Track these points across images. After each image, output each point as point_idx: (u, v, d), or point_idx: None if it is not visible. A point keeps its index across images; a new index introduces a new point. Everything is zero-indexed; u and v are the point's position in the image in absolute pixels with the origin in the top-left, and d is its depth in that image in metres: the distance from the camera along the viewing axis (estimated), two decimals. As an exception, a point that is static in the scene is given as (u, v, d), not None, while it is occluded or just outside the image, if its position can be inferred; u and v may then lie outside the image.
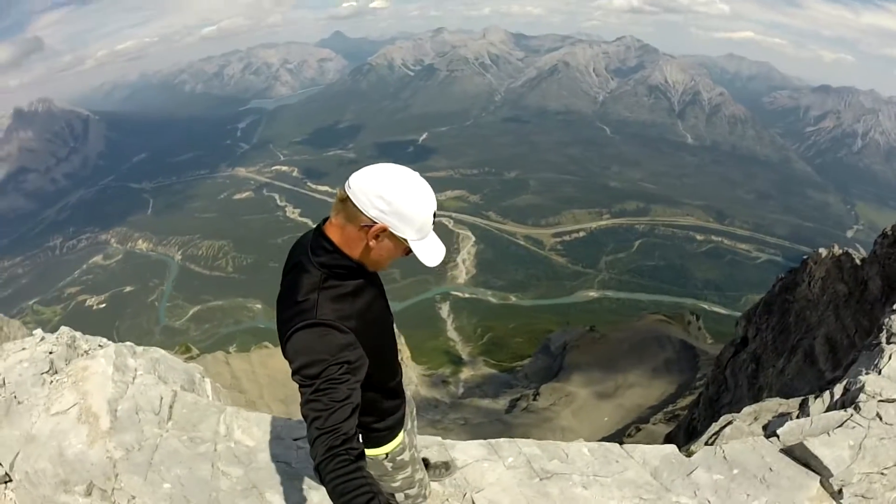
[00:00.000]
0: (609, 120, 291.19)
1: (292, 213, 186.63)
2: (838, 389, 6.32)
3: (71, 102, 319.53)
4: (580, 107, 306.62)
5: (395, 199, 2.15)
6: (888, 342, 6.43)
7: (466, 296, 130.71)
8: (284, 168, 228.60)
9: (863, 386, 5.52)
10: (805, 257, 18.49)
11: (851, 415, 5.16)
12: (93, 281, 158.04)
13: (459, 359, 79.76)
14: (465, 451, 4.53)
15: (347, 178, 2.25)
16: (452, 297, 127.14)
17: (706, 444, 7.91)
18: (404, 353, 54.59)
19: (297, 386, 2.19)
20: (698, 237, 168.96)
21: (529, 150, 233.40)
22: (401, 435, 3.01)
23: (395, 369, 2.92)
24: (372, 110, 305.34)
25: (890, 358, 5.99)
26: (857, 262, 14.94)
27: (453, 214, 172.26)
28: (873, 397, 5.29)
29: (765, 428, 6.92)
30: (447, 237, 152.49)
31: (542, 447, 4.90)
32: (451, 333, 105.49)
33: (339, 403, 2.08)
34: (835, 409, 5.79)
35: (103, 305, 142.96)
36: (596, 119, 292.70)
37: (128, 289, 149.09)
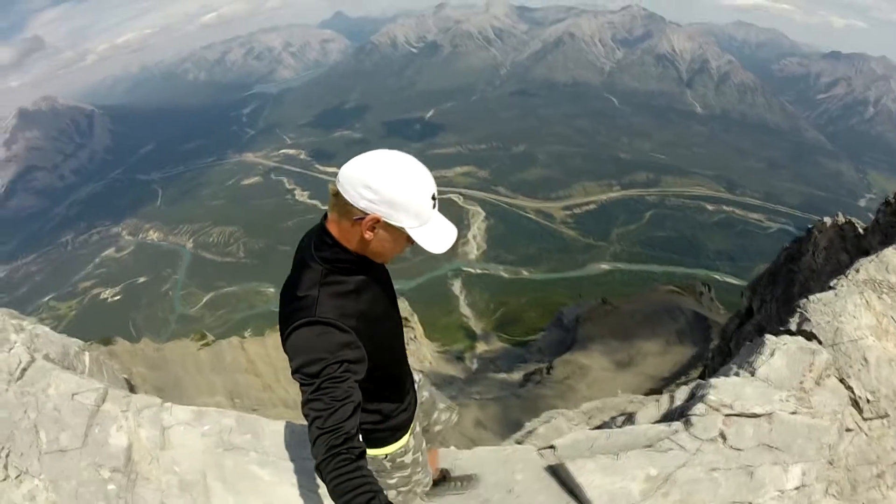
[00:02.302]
0: (617, 91, 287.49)
1: (301, 195, 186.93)
2: (682, 392, 5.04)
3: (74, 98, 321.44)
4: (587, 78, 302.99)
5: (382, 186, 2.04)
6: (798, 330, 5.18)
7: (478, 271, 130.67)
8: (292, 151, 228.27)
9: (705, 394, 4.26)
10: (810, 227, 18.35)
11: (675, 431, 4.09)
12: (106, 274, 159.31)
13: (473, 334, 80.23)
14: (175, 415, 4.38)
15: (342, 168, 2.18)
16: (464, 273, 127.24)
17: (517, 442, 6.87)
18: (417, 331, 54.95)
19: (299, 384, 2.12)
20: (709, 207, 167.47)
21: (537, 123, 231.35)
22: (405, 438, 2.95)
23: (401, 371, 2.85)
24: (377, 89, 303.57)
25: (773, 354, 4.67)
26: (861, 231, 14.82)
27: (463, 190, 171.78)
28: (717, 410, 4.14)
29: (598, 429, 5.56)
30: (457, 213, 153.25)
31: (240, 420, 4.56)
32: (464, 309, 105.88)
33: (339, 402, 2.03)
34: (672, 418, 4.54)
35: (118, 298, 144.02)
36: (603, 90, 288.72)
37: (141, 280, 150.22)
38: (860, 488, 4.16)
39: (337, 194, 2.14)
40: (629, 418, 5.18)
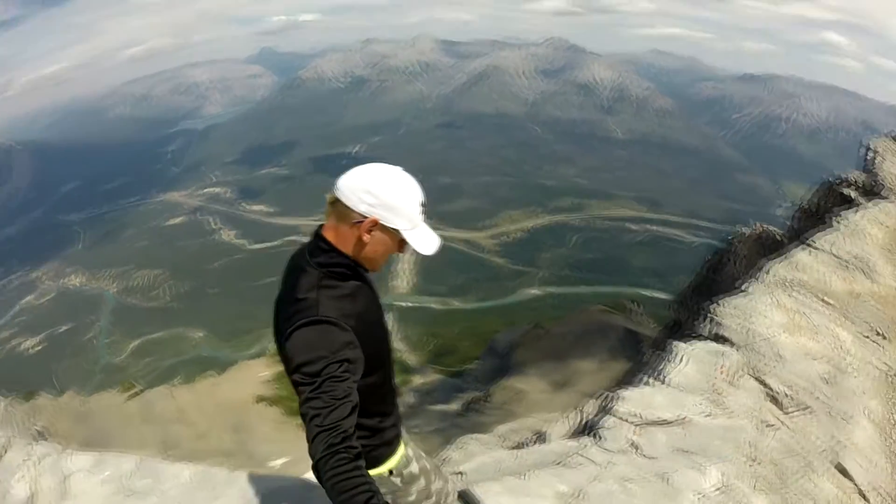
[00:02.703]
0: (540, 120, 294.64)
1: (227, 235, 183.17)
2: (592, 406, 4.98)
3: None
4: (511, 109, 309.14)
5: (381, 191, 2.28)
6: (710, 334, 5.15)
7: (409, 305, 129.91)
8: (217, 189, 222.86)
9: (613, 406, 4.27)
10: (730, 237, 19.00)
11: (585, 446, 4.05)
12: (26, 323, 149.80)
13: (408, 368, 79.63)
14: (76, 462, 4.27)
15: (336, 181, 2.37)
16: (395, 308, 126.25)
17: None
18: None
19: (295, 384, 2.16)
20: (634, 227, 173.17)
21: (463, 154, 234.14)
22: (401, 448, 2.98)
23: (389, 383, 2.85)
24: (304, 125, 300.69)
25: (683, 361, 4.71)
26: (778, 237, 15.40)
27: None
28: (626, 420, 4.16)
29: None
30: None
31: (140, 464, 4.45)
32: (397, 344, 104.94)
33: (339, 401, 2.05)
34: (583, 433, 4.48)
35: (39, 348, 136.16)
36: (527, 120, 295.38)
37: (64, 328, 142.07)
38: (789, 480, 4.10)
39: (335, 202, 2.34)
40: (541, 437, 5.09)
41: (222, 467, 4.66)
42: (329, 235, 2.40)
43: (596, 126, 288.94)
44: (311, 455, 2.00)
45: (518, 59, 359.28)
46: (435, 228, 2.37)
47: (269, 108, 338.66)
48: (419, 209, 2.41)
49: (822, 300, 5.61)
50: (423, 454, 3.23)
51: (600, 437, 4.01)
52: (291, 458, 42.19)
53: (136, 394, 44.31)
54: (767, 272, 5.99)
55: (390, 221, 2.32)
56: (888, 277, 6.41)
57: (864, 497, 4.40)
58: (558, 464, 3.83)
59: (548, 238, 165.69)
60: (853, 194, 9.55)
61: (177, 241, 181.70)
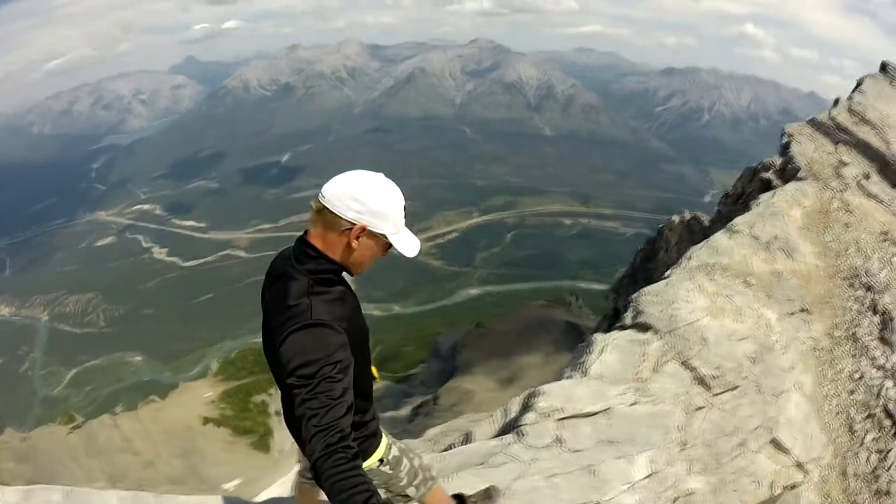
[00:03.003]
0: (469, 121, 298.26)
1: (160, 253, 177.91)
2: (515, 404, 4.91)
3: None
4: (439, 111, 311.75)
5: (368, 198, 2.35)
6: (633, 323, 5.22)
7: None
8: (146, 206, 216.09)
9: (534, 403, 4.28)
10: (660, 226, 19.46)
11: (508, 444, 4.04)
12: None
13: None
14: (4, 498, 4.01)
15: (320, 189, 2.42)
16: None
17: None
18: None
19: (291, 388, 2.17)
20: (567, 222, 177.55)
21: (393, 158, 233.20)
22: (383, 438, 3.06)
23: (370, 380, 2.92)
24: (231, 135, 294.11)
25: (603, 352, 4.77)
26: (706, 223, 15.83)
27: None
28: (548, 416, 4.12)
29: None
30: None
31: (68, 494, 4.19)
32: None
33: (335, 401, 2.09)
34: (507, 432, 4.42)
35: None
36: (456, 121, 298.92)
37: None
38: (724, 459, 4.17)
39: (321, 210, 2.39)
40: (467, 438, 5.00)
41: (150, 492, 4.44)
42: (316, 243, 2.44)
43: (524, 124, 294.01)
44: (309, 455, 2.03)
45: (444, 60, 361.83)
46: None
47: (195, 119, 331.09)
48: (402, 213, 2.47)
49: (745, 281, 5.77)
50: (394, 440, 3.30)
51: (523, 434, 3.99)
52: (244, 479, 41.31)
53: (78, 426, 42.89)
54: (689, 258, 6.12)
55: (377, 227, 2.39)
56: (808, 255, 6.70)
57: (801, 468, 4.58)
58: (481, 465, 3.82)
59: (483, 237, 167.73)
60: (773, 178, 9.90)
61: (108, 263, 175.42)
